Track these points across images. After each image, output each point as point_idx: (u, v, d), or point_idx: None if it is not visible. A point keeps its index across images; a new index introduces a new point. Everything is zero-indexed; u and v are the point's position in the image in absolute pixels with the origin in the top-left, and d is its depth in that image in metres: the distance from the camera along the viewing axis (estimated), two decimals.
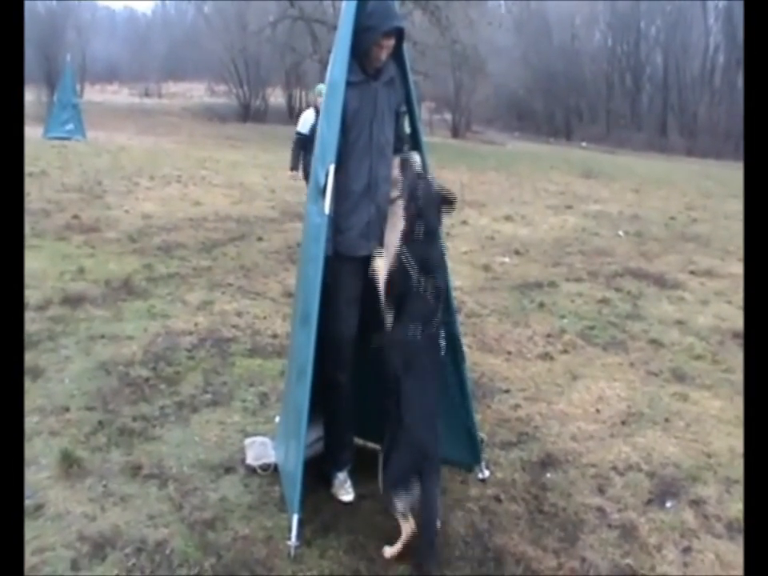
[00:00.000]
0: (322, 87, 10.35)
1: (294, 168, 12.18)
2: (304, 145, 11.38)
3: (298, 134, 11.81)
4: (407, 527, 4.26)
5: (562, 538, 4.64)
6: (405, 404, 4.34)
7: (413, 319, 4.40)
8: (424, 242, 4.48)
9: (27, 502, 4.59)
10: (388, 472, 4.37)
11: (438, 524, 4.39)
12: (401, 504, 4.26)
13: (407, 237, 4.50)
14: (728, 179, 27.39)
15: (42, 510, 4.57)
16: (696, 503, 5.08)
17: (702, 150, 46.02)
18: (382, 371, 4.51)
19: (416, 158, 4.81)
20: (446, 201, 4.55)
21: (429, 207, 4.51)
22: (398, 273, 4.46)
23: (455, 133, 51.17)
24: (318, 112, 10.33)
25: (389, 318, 4.51)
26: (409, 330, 4.38)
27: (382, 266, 4.55)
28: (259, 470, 5.10)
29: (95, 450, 5.33)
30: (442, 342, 4.56)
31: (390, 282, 4.50)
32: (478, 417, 5.52)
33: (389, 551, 4.31)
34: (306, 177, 10.37)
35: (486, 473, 5.22)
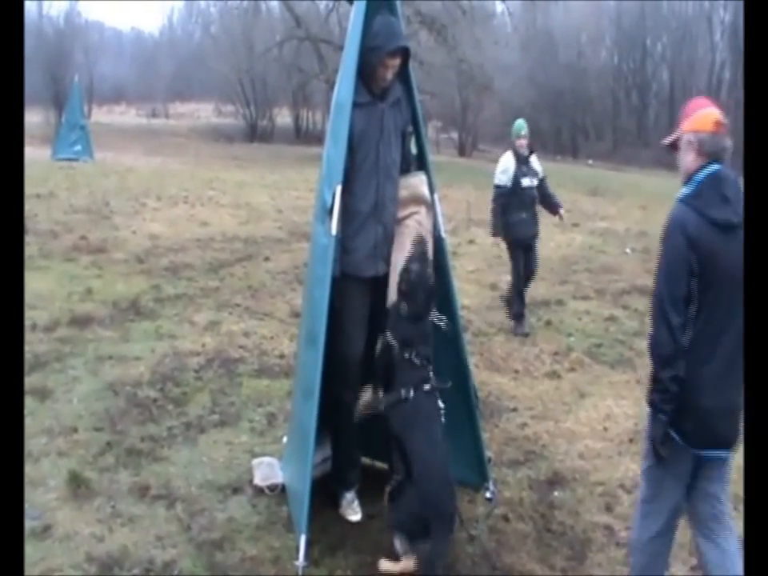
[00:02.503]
0: (521, 126, 9.31)
1: (495, 234, 9.53)
2: (504, 200, 9.19)
3: (499, 187, 9.25)
4: (407, 563, 4.17)
5: (570, 557, 4.64)
6: (414, 460, 4.24)
7: (404, 384, 4.38)
8: (408, 322, 4.49)
9: (35, 523, 4.62)
10: (395, 515, 4.30)
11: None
12: (401, 545, 4.21)
13: (392, 313, 4.55)
14: None
15: (49, 530, 4.60)
16: None
17: None
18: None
19: (421, 177, 4.84)
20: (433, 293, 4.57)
21: (417, 290, 4.50)
22: (382, 353, 4.52)
23: (462, 151, 51.20)
24: (518, 157, 9.21)
25: (380, 392, 4.53)
26: (402, 393, 4.36)
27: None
28: (267, 491, 5.11)
29: (103, 470, 5.34)
30: (441, 405, 4.45)
31: (376, 364, 4.57)
32: (485, 436, 5.52)
33: (384, 565, 4.27)
34: (504, 235, 9.41)
35: (494, 491, 5.21)
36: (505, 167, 9.20)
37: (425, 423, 4.34)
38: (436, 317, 4.57)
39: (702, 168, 3.71)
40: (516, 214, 9.16)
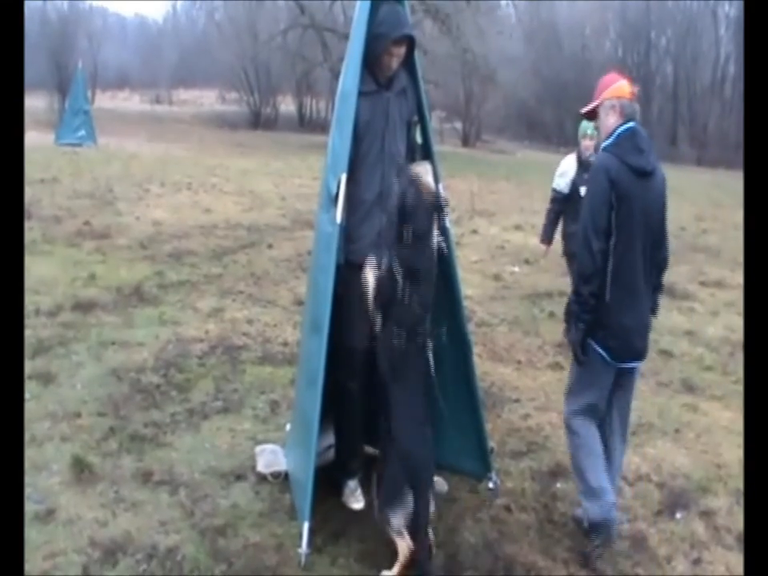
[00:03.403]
0: (587, 126, 7.77)
1: (545, 240, 8.59)
2: (560, 207, 8.32)
3: (555, 191, 8.33)
4: (403, 545, 4.17)
5: (572, 548, 4.64)
6: (392, 414, 4.29)
7: (398, 326, 4.34)
8: (412, 248, 4.38)
9: (39, 507, 4.63)
10: (382, 489, 4.29)
11: (431, 535, 4.32)
12: (396, 520, 4.18)
13: (396, 242, 4.44)
14: (738, 189, 27.22)
15: (53, 515, 4.60)
16: (706, 514, 5.09)
17: (711, 161, 45.81)
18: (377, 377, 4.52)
19: (426, 167, 4.83)
20: (437, 207, 4.49)
21: (417, 212, 4.41)
22: (385, 279, 4.41)
23: (465, 142, 51.13)
24: (580, 162, 8.03)
25: (377, 322, 4.46)
26: (394, 337, 4.33)
27: (370, 276, 4.47)
28: (270, 478, 5.12)
29: (106, 455, 5.35)
30: (430, 356, 4.45)
31: (377, 287, 4.46)
32: (488, 426, 5.51)
33: (385, 573, 4.25)
34: (567, 252, 8.24)
35: (497, 482, 5.22)
36: (563, 170, 8.20)
37: (411, 376, 4.34)
38: (439, 239, 4.53)
39: (621, 126, 4.51)
40: (570, 225, 8.05)
